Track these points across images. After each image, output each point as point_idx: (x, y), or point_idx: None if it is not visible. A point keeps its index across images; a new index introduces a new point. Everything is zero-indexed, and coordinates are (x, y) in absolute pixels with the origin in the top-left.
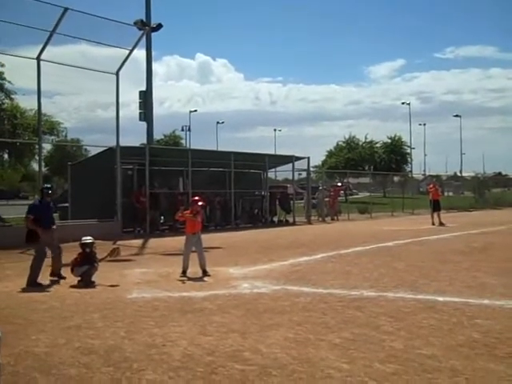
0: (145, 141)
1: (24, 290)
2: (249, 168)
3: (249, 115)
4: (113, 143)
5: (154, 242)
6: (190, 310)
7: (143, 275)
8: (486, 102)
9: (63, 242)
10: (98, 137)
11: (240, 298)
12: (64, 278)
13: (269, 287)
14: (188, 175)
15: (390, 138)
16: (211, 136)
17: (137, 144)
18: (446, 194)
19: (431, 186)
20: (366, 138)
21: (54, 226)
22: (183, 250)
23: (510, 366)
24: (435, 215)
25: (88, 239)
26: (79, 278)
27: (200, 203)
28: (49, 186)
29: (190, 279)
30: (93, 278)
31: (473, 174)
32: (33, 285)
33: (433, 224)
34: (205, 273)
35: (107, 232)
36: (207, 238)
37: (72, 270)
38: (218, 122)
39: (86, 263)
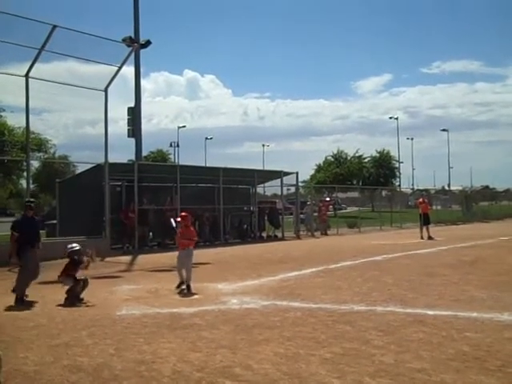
0: (133, 157)
1: (11, 308)
2: (237, 184)
3: (237, 131)
4: (101, 160)
5: (142, 259)
6: (179, 326)
7: (132, 292)
8: (473, 115)
9: (51, 260)
10: (86, 153)
11: (229, 313)
12: (26, 295)
13: (258, 302)
14: (177, 191)
15: (379, 153)
16: (200, 152)
17: (125, 160)
18: (434, 207)
19: (421, 199)
20: (356, 152)
21: (40, 244)
22: (176, 265)
23: (501, 378)
24: (424, 229)
25: (75, 247)
26: (65, 296)
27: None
28: (31, 199)
29: (179, 295)
30: (82, 295)
31: (460, 188)
32: (19, 302)
33: (421, 238)
34: (188, 288)
35: (95, 249)
36: (196, 254)
37: (60, 276)
38: (206, 138)
39: (74, 273)
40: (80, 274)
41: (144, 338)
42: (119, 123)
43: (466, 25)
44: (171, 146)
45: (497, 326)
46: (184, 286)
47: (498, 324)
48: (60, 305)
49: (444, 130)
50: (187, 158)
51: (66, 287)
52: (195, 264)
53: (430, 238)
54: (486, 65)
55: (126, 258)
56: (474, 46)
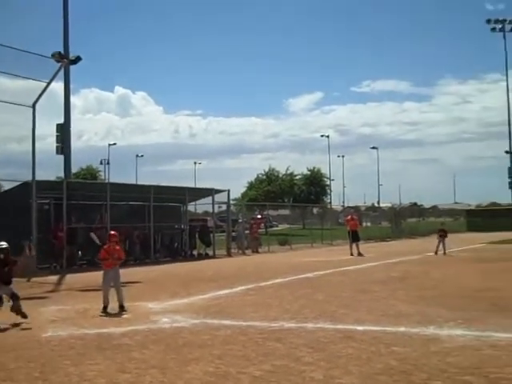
0: (62, 174)
1: None
2: (168, 201)
3: (169, 148)
4: (28, 177)
5: (71, 278)
6: (108, 346)
7: (59, 312)
8: (402, 134)
9: None
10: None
11: (159, 332)
12: None
13: (188, 321)
14: (107, 209)
15: (310, 170)
16: (131, 169)
17: (53, 178)
18: (364, 224)
19: (349, 217)
20: (287, 169)
21: None
22: (102, 285)
23: None
24: (354, 246)
25: (3, 244)
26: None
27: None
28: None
29: (108, 315)
30: (8, 315)
31: (390, 205)
32: None
33: (351, 254)
34: (122, 308)
35: (20, 268)
36: (126, 273)
37: None
38: (137, 156)
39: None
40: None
41: (71, 360)
42: (47, 140)
43: (395, 45)
44: (101, 163)
45: (423, 340)
46: (109, 310)
47: (424, 338)
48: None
49: (374, 147)
50: (118, 175)
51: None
52: (125, 283)
53: (359, 254)
54: (413, 85)
55: (54, 278)
56: (402, 66)
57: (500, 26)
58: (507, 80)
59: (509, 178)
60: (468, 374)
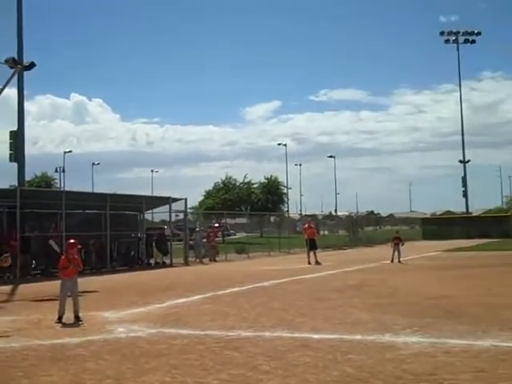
0: (16, 182)
1: None
2: (125, 210)
3: (125, 156)
4: None
5: (24, 288)
6: (62, 357)
7: (12, 323)
8: (358, 143)
9: None
10: None
11: (115, 342)
12: None
13: (145, 330)
14: (62, 218)
15: (267, 179)
16: (87, 177)
17: (6, 186)
18: (321, 232)
19: (306, 225)
20: (245, 178)
21: None
22: (59, 295)
23: None
24: (311, 254)
25: None
26: None
27: (78, 246)
28: None
29: (63, 325)
30: None
31: (347, 213)
32: None
33: (309, 263)
34: (77, 318)
35: None
36: (82, 282)
37: None
38: (93, 164)
39: None
40: None
41: (24, 372)
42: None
43: (352, 55)
44: (57, 171)
45: (379, 348)
46: (64, 320)
47: (380, 345)
48: None
49: (331, 156)
50: (74, 183)
51: None
52: (81, 292)
53: (317, 262)
54: (370, 94)
55: (7, 288)
56: (359, 75)
57: (453, 38)
58: (460, 91)
59: (462, 186)
60: (423, 380)
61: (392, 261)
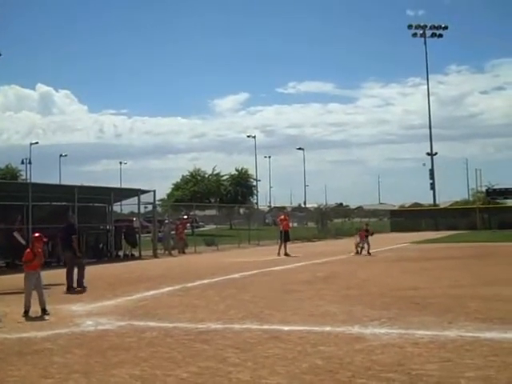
0: None
1: None
2: (93, 202)
3: (93, 148)
4: None
5: None
6: (30, 351)
7: None
8: (327, 135)
9: None
10: None
11: (83, 336)
12: None
13: (114, 323)
14: (28, 210)
15: (237, 171)
16: (54, 169)
17: None
18: (290, 224)
19: (282, 216)
20: (213, 170)
21: None
22: (24, 288)
23: None
24: (282, 246)
25: None
26: None
27: (44, 240)
28: None
29: (29, 319)
30: None
31: (316, 206)
32: None
33: (279, 255)
34: (44, 311)
35: None
36: (49, 275)
37: None
38: (61, 155)
39: None
40: None
41: None
42: None
43: (320, 47)
44: (23, 162)
45: (348, 339)
46: (30, 314)
47: (350, 337)
48: None
49: (300, 148)
50: (41, 175)
51: None
52: (48, 285)
53: (286, 254)
54: (337, 87)
55: None
56: (327, 68)
57: (421, 32)
58: (428, 84)
59: (430, 179)
60: (391, 371)
61: (360, 252)
